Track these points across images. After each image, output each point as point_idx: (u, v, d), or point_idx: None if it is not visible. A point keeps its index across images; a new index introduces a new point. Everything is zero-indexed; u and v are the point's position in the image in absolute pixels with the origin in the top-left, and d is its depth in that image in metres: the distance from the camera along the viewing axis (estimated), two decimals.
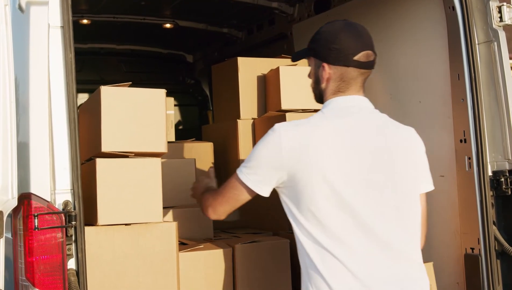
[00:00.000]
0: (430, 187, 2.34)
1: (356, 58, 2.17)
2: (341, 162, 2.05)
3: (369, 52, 2.19)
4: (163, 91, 2.61)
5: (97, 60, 5.41)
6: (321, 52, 2.22)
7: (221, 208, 2.30)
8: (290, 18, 4.52)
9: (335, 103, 2.20)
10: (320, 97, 2.29)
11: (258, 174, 2.12)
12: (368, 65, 2.20)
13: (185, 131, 5.86)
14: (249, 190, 2.16)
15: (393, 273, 2.06)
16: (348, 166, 2.06)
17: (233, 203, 2.25)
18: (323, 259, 2.04)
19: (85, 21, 4.60)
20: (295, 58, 2.42)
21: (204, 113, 6.14)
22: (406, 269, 2.11)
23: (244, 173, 2.15)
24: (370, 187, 2.08)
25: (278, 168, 2.08)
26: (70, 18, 2.35)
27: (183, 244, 2.87)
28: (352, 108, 2.19)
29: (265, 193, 2.16)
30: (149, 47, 5.72)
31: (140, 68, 5.77)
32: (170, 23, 5.05)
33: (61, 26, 2.35)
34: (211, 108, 6.05)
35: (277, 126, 2.12)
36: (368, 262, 2.03)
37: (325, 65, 2.21)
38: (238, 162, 3.77)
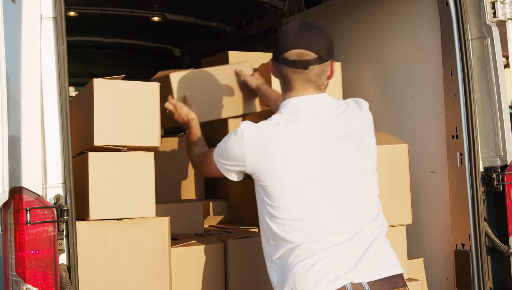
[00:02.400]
0: None
1: (285, 55, 2.18)
2: (299, 159, 2.12)
3: (303, 51, 2.16)
4: (157, 85, 2.58)
5: (84, 53, 5.35)
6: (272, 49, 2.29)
7: (202, 172, 2.60)
8: (280, 13, 4.50)
9: (291, 103, 2.22)
10: None
11: (226, 164, 2.27)
12: (298, 65, 2.17)
13: None
14: (220, 173, 2.32)
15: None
16: (306, 162, 2.13)
17: (211, 174, 2.43)
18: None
19: (72, 13, 4.54)
20: None
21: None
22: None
23: (216, 159, 2.30)
24: (326, 179, 2.14)
25: (241, 163, 2.20)
26: (63, 9, 2.31)
27: (174, 239, 2.84)
28: (309, 107, 2.19)
29: (234, 179, 2.33)
30: (137, 41, 5.67)
31: (127, 62, 5.72)
32: (158, 16, 5.00)
33: (53, 17, 2.31)
34: None
35: (242, 125, 2.19)
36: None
37: (271, 61, 2.29)
38: None
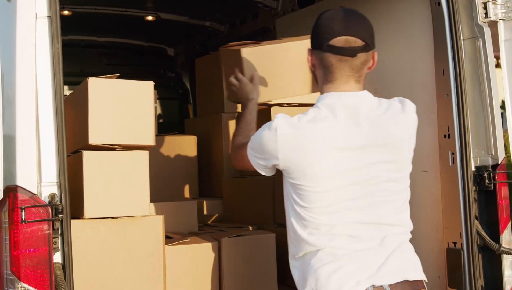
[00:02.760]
0: None
1: (331, 42, 2.08)
2: (333, 160, 2.06)
3: (350, 38, 2.09)
4: (151, 84, 2.59)
5: (78, 52, 5.34)
6: (310, 38, 2.20)
7: (236, 163, 2.47)
8: (273, 12, 4.51)
9: (330, 98, 2.13)
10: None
11: (259, 158, 2.20)
12: (346, 52, 2.09)
13: (166, 124, 5.84)
14: (253, 167, 2.25)
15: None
16: (340, 163, 2.07)
17: (243, 166, 2.35)
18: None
19: (66, 13, 4.54)
20: None
21: (185, 107, 6.12)
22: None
23: (250, 153, 2.23)
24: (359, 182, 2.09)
25: (273, 158, 2.12)
26: (58, 8, 2.32)
27: (169, 238, 2.86)
28: (347, 106, 2.11)
29: (265, 174, 2.25)
30: (130, 40, 5.67)
31: (121, 61, 5.72)
32: (152, 16, 5.01)
33: (48, 16, 2.32)
34: (191, 102, 6.02)
35: (277, 119, 2.11)
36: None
37: (309, 50, 2.19)
38: (221, 156, 3.77)
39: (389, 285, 2.03)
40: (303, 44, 2.77)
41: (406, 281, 2.07)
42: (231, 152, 2.54)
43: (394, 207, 2.15)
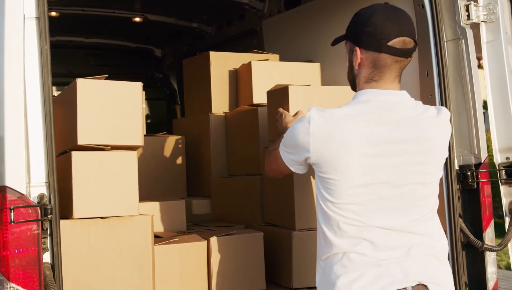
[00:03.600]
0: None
1: (390, 43, 2.05)
2: (365, 155, 2.02)
3: (407, 38, 2.06)
4: (139, 84, 2.61)
5: (65, 53, 5.35)
6: (354, 35, 2.13)
7: (271, 172, 2.48)
8: (260, 14, 4.55)
9: (368, 95, 2.10)
10: (353, 84, 2.21)
11: (291, 153, 2.17)
12: (403, 53, 2.07)
13: (153, 124, 5.85)
14: (286, 166, 2.23)
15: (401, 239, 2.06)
16: (372, 159, 2.03)
17: (276, 168, 2.37)
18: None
19: (53, 14, 4.55)
20: (334, 43, 2.29)
21: (172, 107, 6.14)
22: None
23: (282, 150, 2.23)
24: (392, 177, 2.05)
25: (305, 151, 2.08)
26: (46, 9, 2.33)
27: (157, 237, 2.88)
28: (384, 103, 2.08)
29: (297, 171, 2.23)
30: (118, 41, 5.69)
31: (108, 62, 5.74)
32: (139, 17, 5.03)
33: (36, 17, 2.33)
34: (179, 102, 6.05)
35: (311, 111, 2.08)
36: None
37: (357, 49, 2.12)
38: (209, 155, 3.80)
39: (412, 287, 2.00)
40: (346, 89, 2.88)
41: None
42: (265, 162, 2.52)
43: (423, 214, 2.10)
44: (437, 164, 2.15)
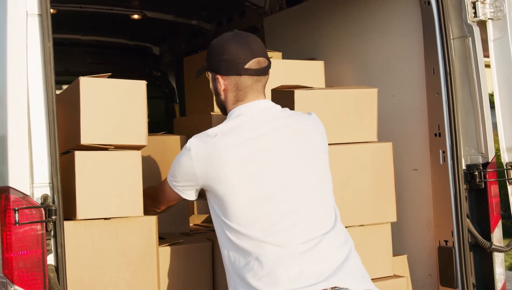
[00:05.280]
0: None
1: (247, 66, 2.24)
2: (245, 165, 2.14)
3: (260, 58, 2.27)
4: (143, 83, 2.56)
5: (62, 50, 5.27)
6: (213, 65, 2.30)
7: (158, 203, 2.58)
8: (261, 11, 4.49)
9: (238, 111, 2.27)
10: (223, 109, 2.38)
11: (178, 182, 2.31)
12: (261, 72, 2.27)
13: (151, 123, 5.78)
14: (176, 194, 2.36)
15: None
16: (254, 169, 2.15)
17: (167, 200, 2.49)
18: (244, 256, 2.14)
19: (51, 11, 4.47)
20: (197, 74, 2.48)
21: (171, 106, 6.08)
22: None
23: (170, 181, 2.34)
24: (276, 180, 2.16)
25: (192, 179, 2.24)
26: (48, 6, 2.30)
27: (161, 239, 2.83)
28: (253, 112, 2.25)
29: (189, 197, 2.36)
30: (115, 38, 5.63)
31: (106, 60, 5.68)
32: (138, 14, 4.98)
33: (39, 14, 2.29)
34: (177, 101, 5.99)
35: (190, 140, 2.25)
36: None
37: (219, 77, 2.29)
38: None
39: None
40: (355, 93, 2.94)
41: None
42: (154, 199, 2.59)
43: (321, 204, 2.28)
44: (317, 154, 2.29)
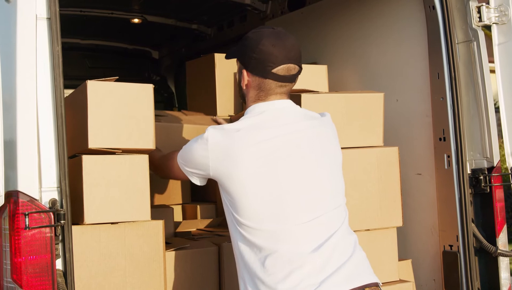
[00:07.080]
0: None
1: (274, 70, 2.16)
2: (260, 164, 2.10)
3: (291, 65, 2.18)
4: (150, 86, 2.55)
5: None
6: (242, 58, 2.24)
7: (164, 176, 2.63)
8: (262, 15, 4.48)
9: (260, 108, 2.22)
10: (244, 98, 2.33)
11: (189, 167, 2.28)
12: (287, 79, 2.20)
13: None
14: (184, 175, 2.34)
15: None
16: (268, 168, 2.11)
17: (172, 178, 2.51)
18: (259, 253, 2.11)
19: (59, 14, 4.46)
20: (227, 57, 2.38)
21: (170, 110, 6.05)
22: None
23: (179, 162, 2.32)
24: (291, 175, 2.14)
25: (203, 169, 2.21)
26: (57, 9, 2.28)
27: (168, 243, 2.81)
28: (273, 112, 2.20)
29: (197, 183, 2.34)
30: (115, 43, 5.60)
31: (105, 64, 5.65)
32: (138, 18, 4.96)
33: (47, 18, 2.28)
34: (176, 105, 5.97)
35: (208, 130, 2.18)
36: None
37: (244, 72, 2.24)
38: None
39: None
40: (362, 97, 2.93)
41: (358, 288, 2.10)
42: (160, 166, 2.58)
43: (332, 201, 2.26)
44: (333, 157, 2.27)
